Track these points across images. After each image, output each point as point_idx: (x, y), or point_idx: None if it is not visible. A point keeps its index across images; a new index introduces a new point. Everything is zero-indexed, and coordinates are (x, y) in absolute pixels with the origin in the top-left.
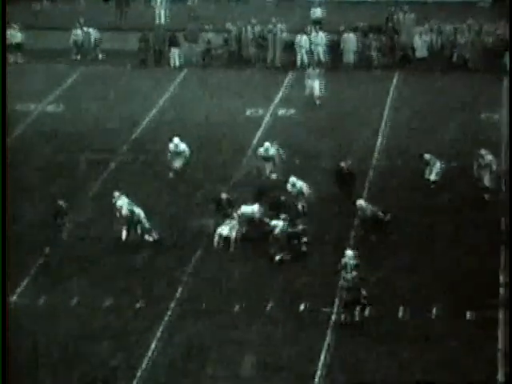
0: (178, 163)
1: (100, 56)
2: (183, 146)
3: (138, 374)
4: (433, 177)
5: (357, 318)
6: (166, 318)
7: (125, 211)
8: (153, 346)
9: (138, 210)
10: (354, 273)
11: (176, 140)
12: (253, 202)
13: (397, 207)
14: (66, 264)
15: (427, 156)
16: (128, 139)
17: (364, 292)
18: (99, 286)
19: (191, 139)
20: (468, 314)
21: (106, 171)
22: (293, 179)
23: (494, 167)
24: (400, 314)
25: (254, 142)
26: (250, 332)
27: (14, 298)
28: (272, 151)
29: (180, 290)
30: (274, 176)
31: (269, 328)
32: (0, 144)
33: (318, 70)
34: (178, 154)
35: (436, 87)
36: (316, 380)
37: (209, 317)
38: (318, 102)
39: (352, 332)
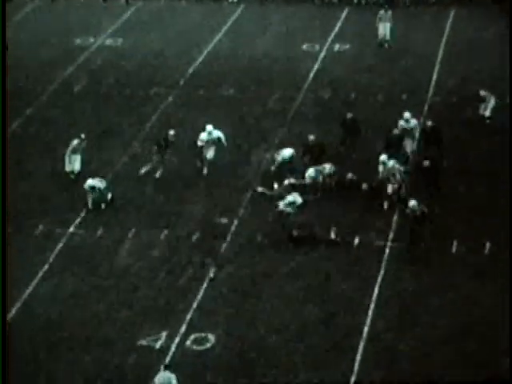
0: (210, 154)
1: None
2: (217, 133)
3: (194, 305)
4: (488, 113)
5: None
6: (221, 251)
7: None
8: (208, 276)
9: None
10: None
11: (209, 127)
12: None
13: (450, 142)
14: (122, 198)
15: (483, 92)
16: (185, 73)
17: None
18: (155, 219)
19: (247, 73)
20: None
21: (163, 104)
22: (384, 157)
23: None
24: (454, 248)
25: (311, 76)
26: (303, 264)
27: (72, 229)
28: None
29: (236, 223)
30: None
31: (322, 261)
32: (0, 140)
33: (390, 12)
34: (211, 143)
35: (492, 23)
36: (370, 312)
37: (262, 250)
38: (386, 46)
39: (406, 265)
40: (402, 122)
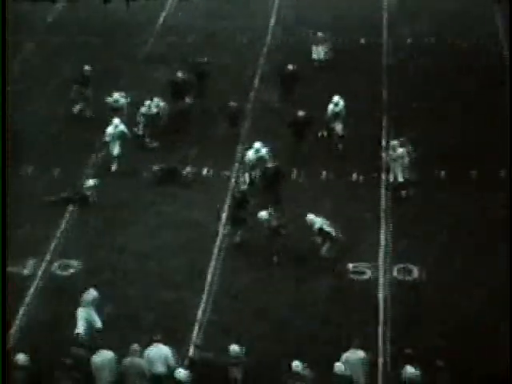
0: (116, 149)
1: None
2: (122, 127)
3: (58, 233)
4: (321, 56)
5: None
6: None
7: None
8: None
9: None
10: None
11: (116, 121)
12: None
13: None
14: None
15: (320, 34)
16: (45, 20)
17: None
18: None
19: (104, 21)
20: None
21: (23, 52)
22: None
23: (406, 160)
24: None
25: (160, 21)
26: (162, 195)
27: None
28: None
29: (94, 158)
30: None
31: (177, 191)
32: (0, 139)
33: None
34: (116, 137)
35: None
36: (219, 236)
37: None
38: None
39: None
40: (331, 106)
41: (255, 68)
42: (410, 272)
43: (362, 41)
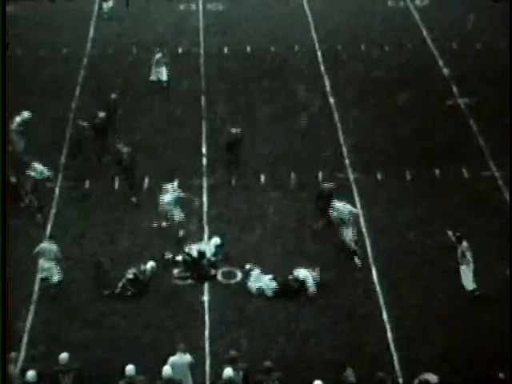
0: (178, 214)
1: None
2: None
3: None
4: (164, 77)
5: None
6: None
7: None
8: None
9: None
10: None
11: (172, 186)
12: None
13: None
14: None
15: (158, 55)
16: None
17: None
18: None
19: None
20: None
21: None
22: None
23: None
24: (116, 186)
25: None
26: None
27: None
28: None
29: None
30: None
31: None
32: (0, 139)
33: None
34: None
35: None
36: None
37: None
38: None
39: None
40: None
41: (76, 80)
42: (234, 275)
43: (180, 50)
